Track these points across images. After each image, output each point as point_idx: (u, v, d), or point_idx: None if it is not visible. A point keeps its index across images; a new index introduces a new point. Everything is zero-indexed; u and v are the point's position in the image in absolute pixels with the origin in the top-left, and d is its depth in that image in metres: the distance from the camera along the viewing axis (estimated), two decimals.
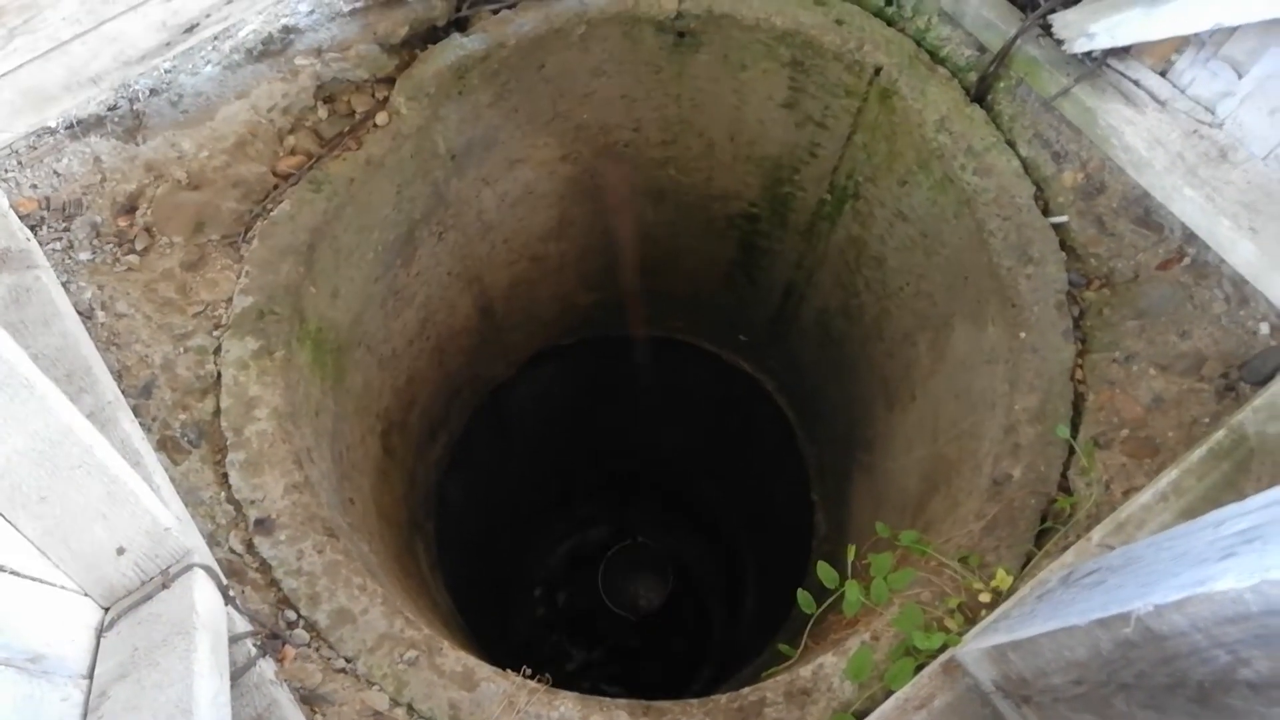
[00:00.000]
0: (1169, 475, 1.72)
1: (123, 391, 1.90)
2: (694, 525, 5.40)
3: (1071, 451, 1.94)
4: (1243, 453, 1.70)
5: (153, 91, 2.19)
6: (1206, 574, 0.84)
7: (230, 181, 2.20)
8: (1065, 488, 1.91)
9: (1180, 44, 2.20)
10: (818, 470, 4.04)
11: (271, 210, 2.21)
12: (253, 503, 1.92)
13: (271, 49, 2.32)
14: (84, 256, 2.05)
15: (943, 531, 2.06)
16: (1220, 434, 1.74)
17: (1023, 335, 2.11)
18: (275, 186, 2.25)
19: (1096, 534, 1.70)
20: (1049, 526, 1.85)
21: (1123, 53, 2.29)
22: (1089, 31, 2.24)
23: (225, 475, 1.92)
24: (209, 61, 2.24)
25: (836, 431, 3.64)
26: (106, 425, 1.80)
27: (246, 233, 2.16)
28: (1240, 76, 2.14)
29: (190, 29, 2.20)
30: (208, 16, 2.21)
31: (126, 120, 2.16)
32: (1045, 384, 2.03)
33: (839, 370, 3.47)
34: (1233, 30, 2.07)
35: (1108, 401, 1.96)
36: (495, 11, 2.55)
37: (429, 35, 2.51)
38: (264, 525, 1.90)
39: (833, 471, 3.76)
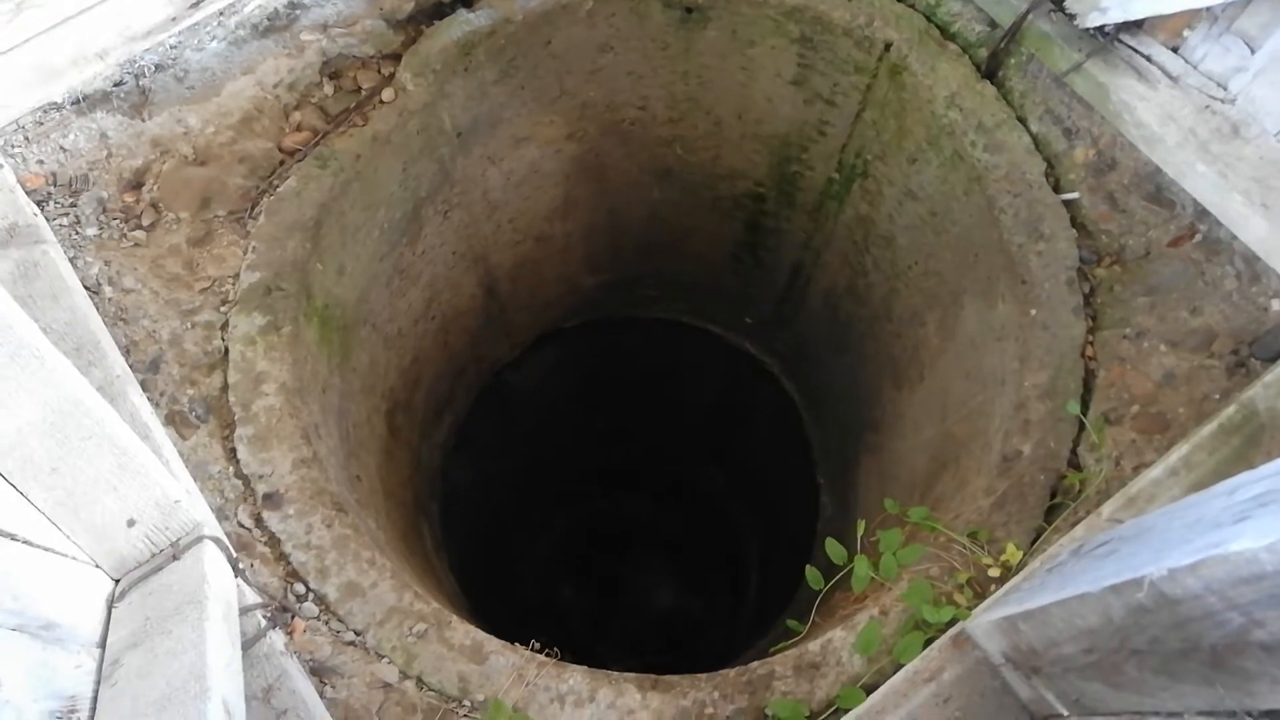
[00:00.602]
0: (1180, 450, 1.71)
1: (130, 366, 1.90)
2: (698, 507, 5.41)
3: (1082, 428, 1.93)
4: (1253, 428, 1.69)
5: (159, 67, 2.18)
6: (1221, 537, 0.84)
7: (236, 157, 2.19)
8: (1075, 464, 1.91)
9: (1193, 18, 2.18)
10: (823, 452, 4.04)
11: (278, 186, 2.20)
12: (261, 477, 1.92)
13: (277, 24, 2.31)
14: (91, 232, 2.04)
15: (952, 509, 2.06)
16: (1231, 409, 1.73)
17: (1033, 312, 2.11)
18: (281, 163, 2.24)
19: (1107, 509, 1.70)
20: (1059, 502, 1.85)
21: (1135, 27, 2.26)
22: (1101, 6, 2.21)
23: (233, 450, 1.92)
24: (215, 37, 2.23)
25: (843, 413, 3.64)
26: (115, 399, 1.80)
27: (253, 209, 2.16)
28: (1253, 51, 2.12)
29: (196, 4, 2.19)
30: None
31: (133, 96, 2.15)
32: (1056, 360, 2.02)
33: (846, 351, 3.46)
34: (1246, 4, 2.05)
35: (1118, 378, 1.95)
36: None
37: (435, 11, 2.50)
38: (273, 499, 1.90)
39: (839, 453, 3.76)
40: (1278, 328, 1.93)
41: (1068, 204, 2.22)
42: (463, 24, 2.49)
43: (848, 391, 3.51)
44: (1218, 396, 1.87)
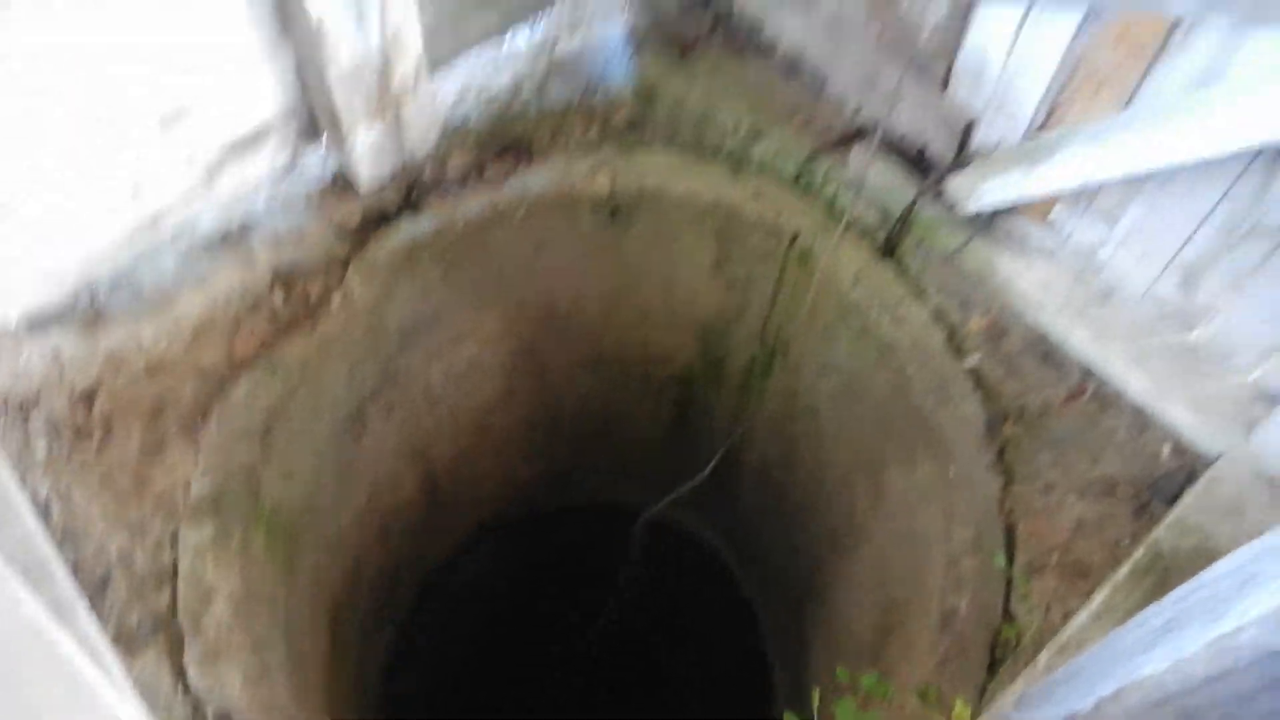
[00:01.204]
0: (1100, 596, 1.83)
1: (80, 585, 1.88)
2: (649, 690, 5.26)
3: (1011, 580, 2.04)
4: (1161, 568, 1.83)
5: (114, 284, 2.28)
6: (1134, 665, 0.94)
7: (188, 368, 2.27)
8: (1010, 615, 2.00)
9: (1058, 200, 2.48)
10: (770, 626, 4.04)
11: (228, 394, 2.27)
12: (211, 697, 1.88)
13: (230, 240, 2.45)
14: (41, 451, 2.06)
15: (901, 671, 2.12)
16: (1140, 553, 1.87)
17: (952, 472, 2.26)
18: (232, 370, 2.32)
19: (1043, 658, 1.79)
20: (999, 655, 1.93)
21: (1010, 209, 2.55)
22: (977, 193, 2.50)
23: (183, 669, 1.88)
24: (170, 253, 2.36)
25: (787, 586, 3.68)
26: (64, 621, 1.77)
27: (204, 418, 2.21)
28: (1113, 226, 2.40)
29: (154, 224, 2.32)
30: (171, 212, 2.34)
31: (87, 314, 2.24)
32: (978, 517, 2.16)
33: (783, 523, 3.55)
34: (1099, 189, 2.36)
35: (1035, 529, 2.09)
36: (444, 196, 2.74)
37: (381, 217, 2.67)
38: None
39: (785, 627, 3.77)
40: (1171, 472, 2.12)
41: (970, 370, 2.43)
42: (408, 231, 2.66)
43: (789, 564, 3.58)
44: (1127, 541, 2.02)
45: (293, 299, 2.49)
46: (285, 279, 2.49)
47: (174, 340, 2.29)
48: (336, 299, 2.52)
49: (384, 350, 2.75)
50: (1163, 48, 2.03)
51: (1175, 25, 1.98)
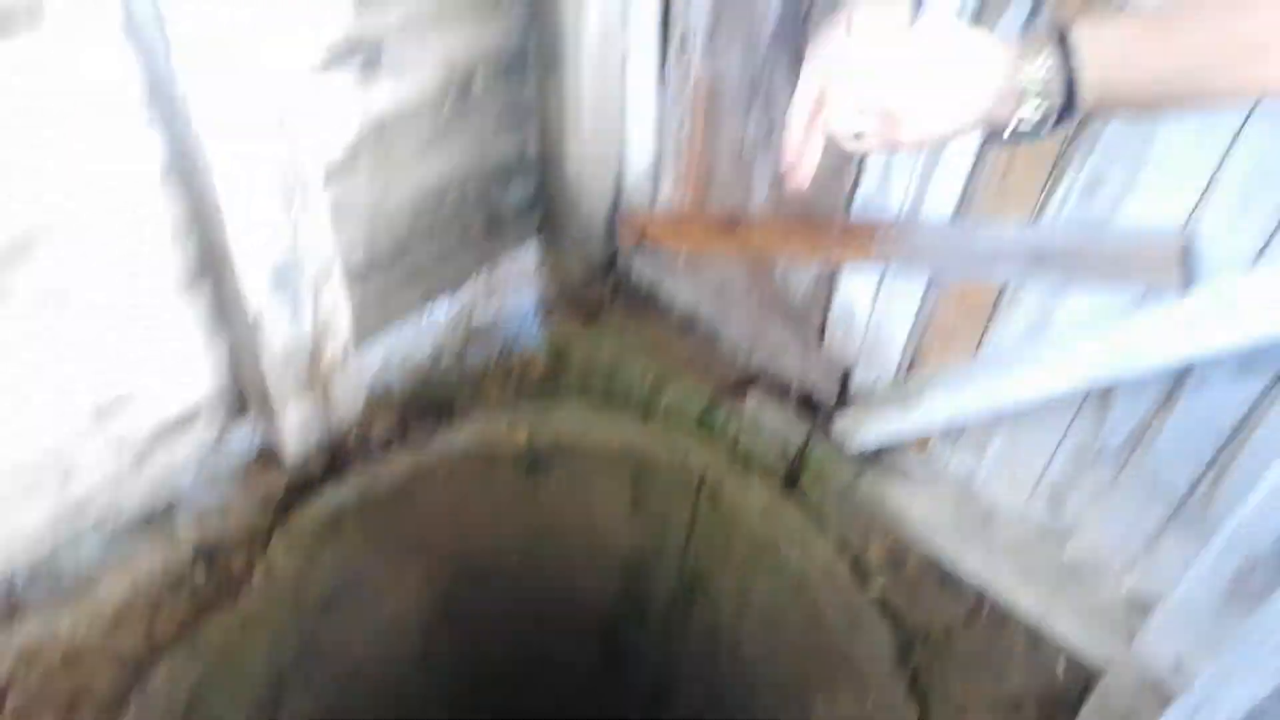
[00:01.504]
0: None
1: None
2: None
3: None
4: None
5: (33, 574, 2.27)
6: None
7: (107, 656, 2.23)
8: None
9: (933, 434, 2.76)
10: None
11: (146, 681, 2.23)
12: None
13: (154, 518, 2.49)
14: None
15: None
16: None
17: (870, 700, 2.35)
18: (151, 654, 2.28)
19: None
20: None
21: (892, 445, 2.82)
22: (861, 432, 2.77)
23: None
24: (93, 538, 2.37)
25: None
26: None
27: (121, 707, 2.15)
28: (982, 456, 2.68)
29: (79, 510, 2.35)
30: (98, 497, 2.38)
31: (3, 607, 2.20)
32: None
33: None
34: (962, 430, 2.65)
35: None
36: (368, 459, 2.85)
37: (306, 486, 2.75)
38: None
39: None
40: (1068, 685, 2.26)
41: (876, 597, 2.59)
42: (331, 497, 2.74)
43: None
44: None
45: (215, 574, 2.51)
46: (208, 555, 2.52)
47: (92, 627, 2.27)
48: (259, 572, 2.54)
49: (305, 620, 2.74)
50: (995, 306, 2.39)
51: (1004, 289, 2.35)
